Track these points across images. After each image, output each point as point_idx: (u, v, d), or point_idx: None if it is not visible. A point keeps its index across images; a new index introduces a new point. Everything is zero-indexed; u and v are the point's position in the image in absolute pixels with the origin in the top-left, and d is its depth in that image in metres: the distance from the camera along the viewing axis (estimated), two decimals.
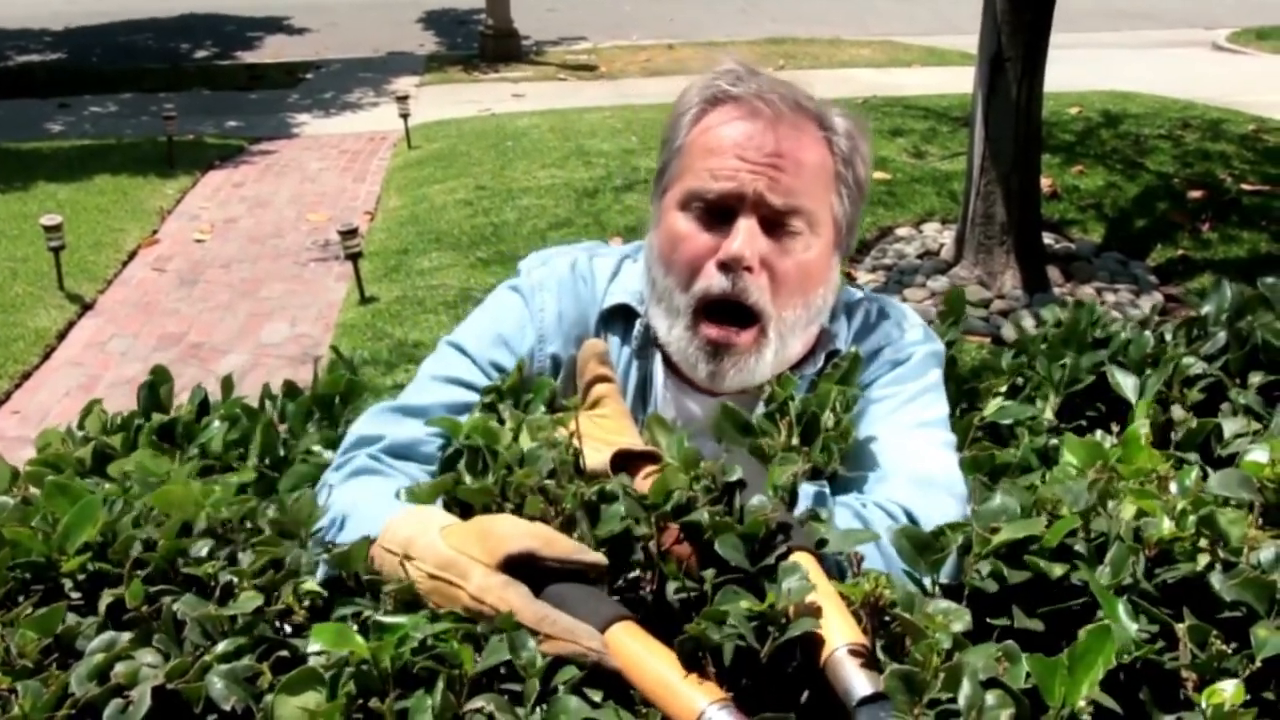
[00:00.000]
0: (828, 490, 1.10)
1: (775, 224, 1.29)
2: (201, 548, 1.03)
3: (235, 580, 0.98)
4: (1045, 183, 5.79)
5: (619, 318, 1.41)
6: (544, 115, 8.39)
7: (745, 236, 1.26)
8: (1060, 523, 0.98)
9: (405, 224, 6.22)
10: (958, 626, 0.89)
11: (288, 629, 0.96)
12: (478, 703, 0.83)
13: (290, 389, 1.46)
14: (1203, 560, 0.95)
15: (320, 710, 0.82)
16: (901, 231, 5.88)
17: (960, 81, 7.74)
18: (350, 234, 5.17)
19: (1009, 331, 4.82)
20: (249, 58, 11.92)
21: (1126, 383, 1.43)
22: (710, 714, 0.83)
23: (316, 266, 5.87)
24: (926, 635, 0.86)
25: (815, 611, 0.88)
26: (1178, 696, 0.88)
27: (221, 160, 7.87)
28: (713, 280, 1.28)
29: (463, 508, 1.06)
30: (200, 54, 12.16)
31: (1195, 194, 6.16)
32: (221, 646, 0.90)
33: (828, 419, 1.10)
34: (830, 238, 1.34)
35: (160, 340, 5.02)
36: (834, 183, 1.34)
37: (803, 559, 0.92)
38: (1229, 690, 0.84)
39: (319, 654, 0.87)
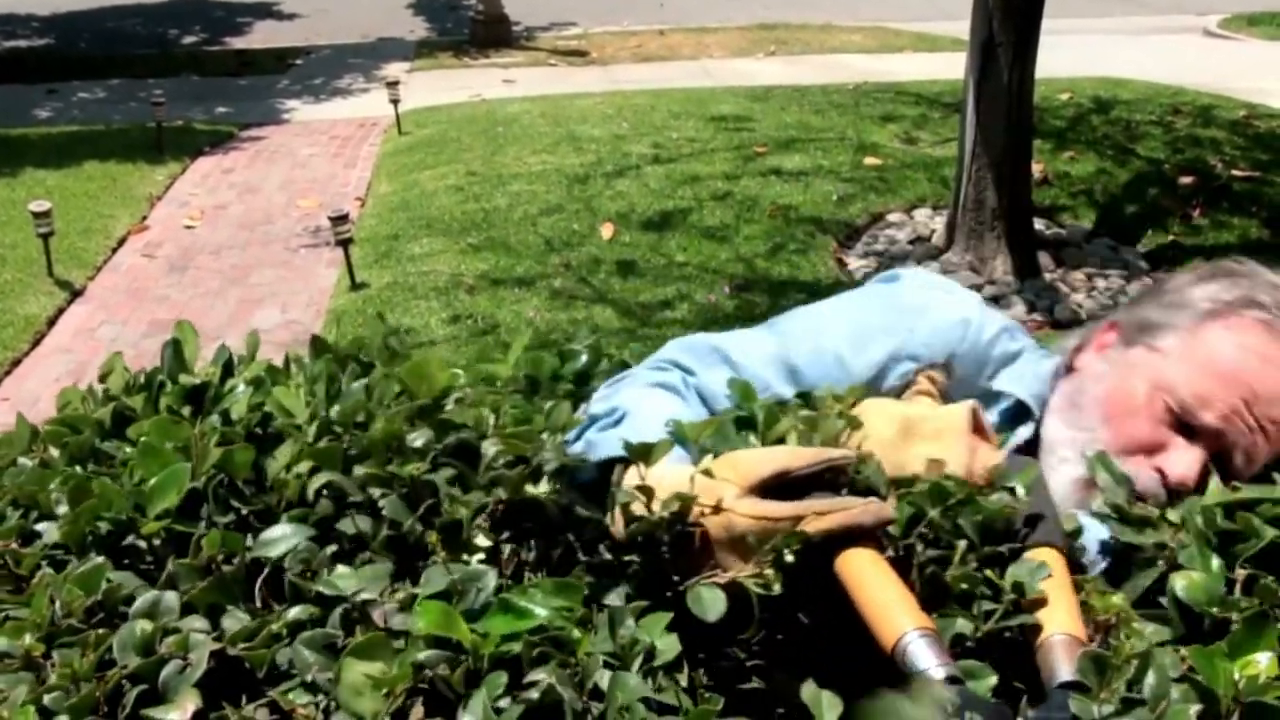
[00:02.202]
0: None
1: (1227, 468, 1.19)
2: (417, 437, 1.01)
3: (444, 494, 0.97)
4: (1036, 168, 5.79)
5: (996, 402, 1.29)
6: (535, 101, 8.37)
7: (1198, 468, 1.18)
8: None
9: (396, 210, 6.21)
10: (1155, 637, 0.93)
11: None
12: (538, 675, 0.84)
13: (319, 344, 1.34)
14: None
15: (385, 678, 0.83)
16: (893, 217, 5.88)
17: (952, 67, 7.73)
18: (341, 220, 5.15)
19: None
20: (238, 43, 11.86)
21: None
22: (910, 638, 0.87)
23: (307, 253, 5.86)
24: (1126, 636, 0.91)
25: (1039, 604, 0.93)
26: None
27: (211, 146, 7.84)
28: (1141, 478, 1.19)
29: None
30: (189, 39, 12.10)
31: (1186, 180, 6.17)
32: (294, 613, 0.90)
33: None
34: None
35: (150, 327, 5.01)
36: None
37: (1050, 555, 0.97)
38: (1264, 662, 0.85)
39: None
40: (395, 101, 7.77)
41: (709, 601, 0.90)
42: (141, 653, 0.86)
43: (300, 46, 11.37)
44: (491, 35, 11.02)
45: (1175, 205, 5.91)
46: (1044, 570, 0.94)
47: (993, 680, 0.88)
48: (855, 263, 5.40)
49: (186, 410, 1.22)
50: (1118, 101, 7.69)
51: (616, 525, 0.98)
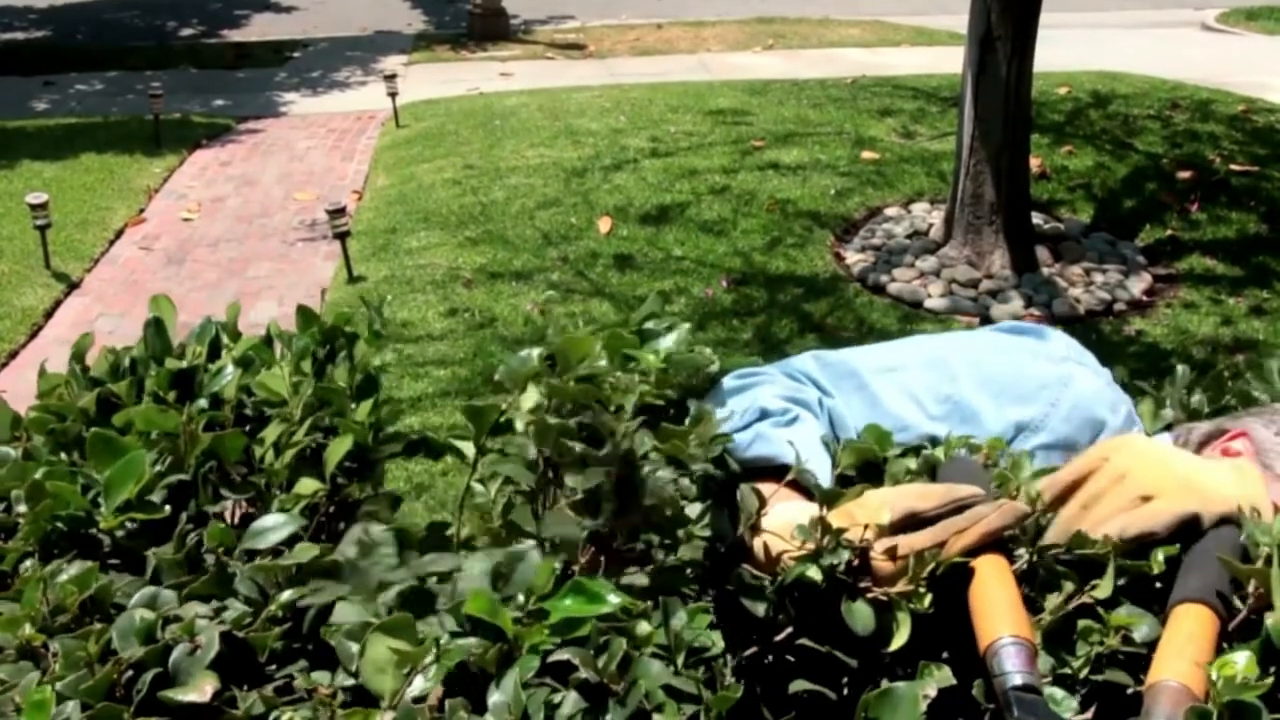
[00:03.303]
0: None
1: None
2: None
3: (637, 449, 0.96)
4: (1034, 163, 5.79)
5: None
6: (532, 94, 8.36)
7: None
8: None
9: (393, 203, 6.20)
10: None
11: None
12: (563, 655, 0.84)
13: (306, 315, 1.26)
14: None
15: (406, 654, 0.82)
16: (890, 211, 5.88)
17: (949, 62, 7.73)
18: (338, 213, 5.15)
19: (998, 312, 4.83)
20: (236, 36, 11.84)
21: None
22: (1004, 643, 0.88)
23: (304, 246, 5.85)
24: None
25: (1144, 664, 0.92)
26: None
27: (209, 139, 7.83)
28: None
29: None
30: (187, 32, 12.08)
31: (1184, 174, 6.17)
32: (286, 595, 0.89)
33: None
34: None
35: None
36: None
37: (1199, 611, 0.94)
38: (1241, 662, 0.86)
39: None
40: (393, 95, 7.76)
41: (860, 615, 0.92)
42: (144, 640, 0.86)
43: (298, 39, 11.34)
44: (489, 28, 11.00)
45: (1173, 200, 5.92)
46: (1144, 620, 0.94)
47: (1074, 705, 0.88)
48: (853, 257, 5.40)
49: (173, 395, 1.19)
50: (1116, 96, 7.68)
51: (783, 562, 0.97)
